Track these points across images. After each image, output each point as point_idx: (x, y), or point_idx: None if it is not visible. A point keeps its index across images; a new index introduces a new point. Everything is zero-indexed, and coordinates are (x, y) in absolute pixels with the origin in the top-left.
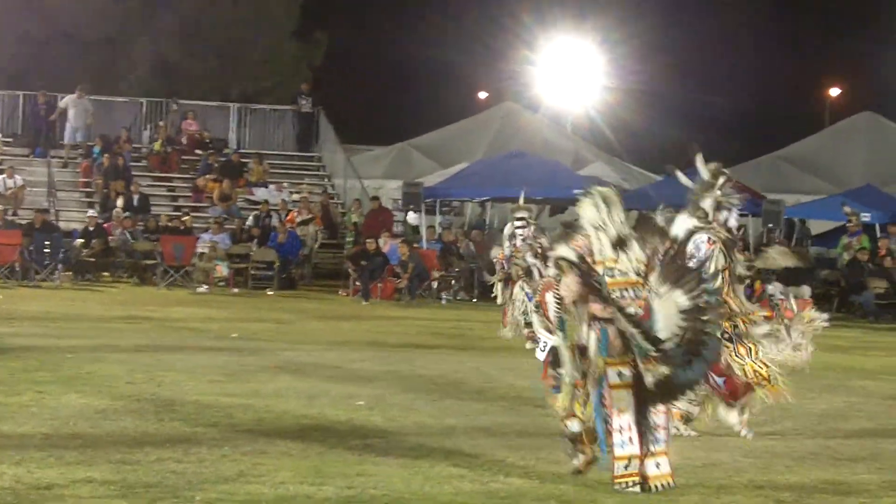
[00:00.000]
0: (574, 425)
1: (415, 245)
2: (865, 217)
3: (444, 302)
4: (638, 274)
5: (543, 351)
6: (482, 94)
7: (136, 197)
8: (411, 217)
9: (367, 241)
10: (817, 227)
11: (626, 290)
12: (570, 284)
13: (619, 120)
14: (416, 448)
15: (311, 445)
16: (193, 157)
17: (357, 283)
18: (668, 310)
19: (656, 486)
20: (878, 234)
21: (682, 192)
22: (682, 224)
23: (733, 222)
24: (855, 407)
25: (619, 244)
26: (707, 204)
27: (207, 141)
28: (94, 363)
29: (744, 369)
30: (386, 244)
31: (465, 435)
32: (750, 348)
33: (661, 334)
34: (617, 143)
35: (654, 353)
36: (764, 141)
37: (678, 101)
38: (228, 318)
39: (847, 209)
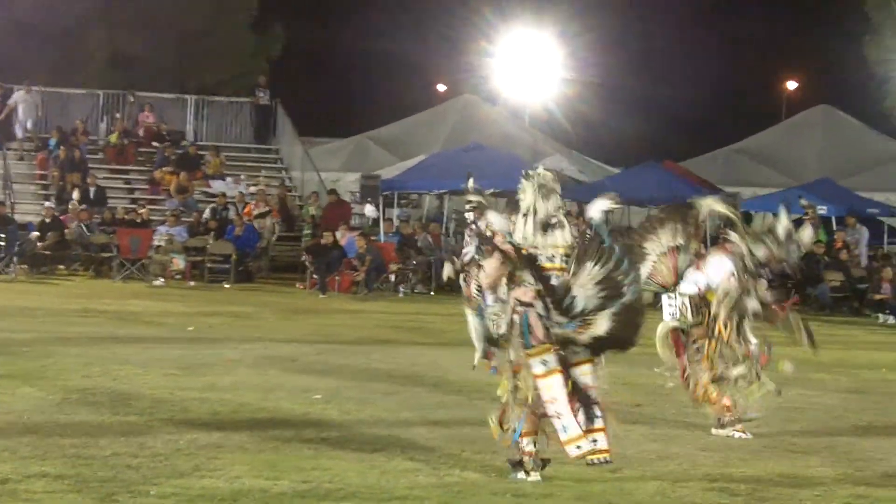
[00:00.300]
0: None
1: (372, 238)
2: (822, 210)
3: (401, 295)
4: (562, 259)
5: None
6: (440, 87)
7: (92, 189)
8: (369, 210)
9: (325, 233)
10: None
11: (550, 274)
12: (490, 268)
13: (578, 113)
14: (372, 441)
15: (266, 439)
16: (150, 149)
17: (314, 276)
18: (584, 286)
19: (593, 461)
20: (834, 227)
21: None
22: (597, 206)
23: None
24: (811, 400)
25: (546, 228)
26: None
27: (164, 133)
28: (50, 357)
29: (697, 383)
30: (343, 237)
31: (422, 428)
32: (713, 368)
33: (578, 307)
34: (575, 135)
35: (573, 327)
36: (720, 134)
37: (636, 95)
38: (185, 311)
39: (803, 202)
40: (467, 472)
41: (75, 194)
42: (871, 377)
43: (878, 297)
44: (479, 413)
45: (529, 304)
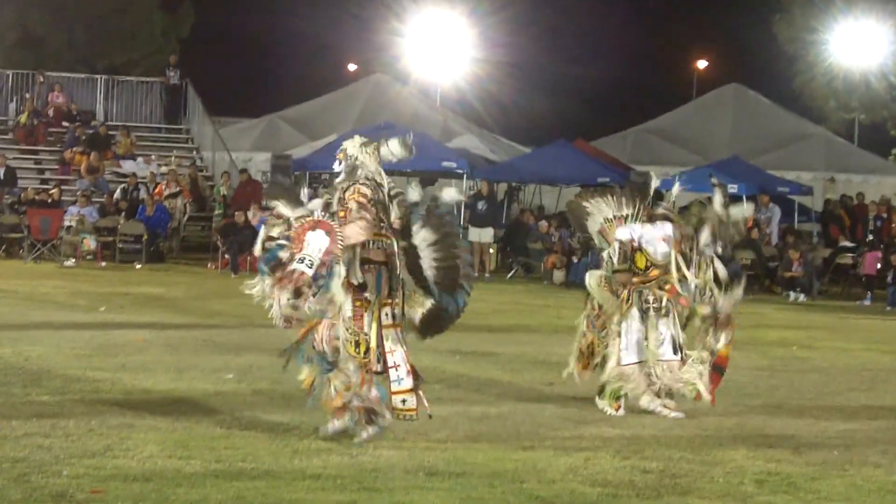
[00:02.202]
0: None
1: None
2: (732, 188)
3: None
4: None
5: None
6: (351, 66)
7: (2, 170)
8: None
9: (236, 213)
10: (684, 198)
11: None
12: (358, 229)
13: (488, 92)
14: (284, 421)
15: (178, 419)
16: (60, 129)
17: (226, 256)
18: (423, 249)
19: (403, 416)
20: (745, 206)
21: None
22: (449, 195)
23: None
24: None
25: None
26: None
27: (74, 113)
28: None
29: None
30: (255, 217)
31: None
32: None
33: (426, 272)
34: (486, 115)
35: (418, 289)
36: (631, 113)
37: (547, 74)
38: (96, 291)
39: (714, 181)
40: (380, 450)
41: None
42: (781, 355)
43: (788, 274)
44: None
45: (383, 263)
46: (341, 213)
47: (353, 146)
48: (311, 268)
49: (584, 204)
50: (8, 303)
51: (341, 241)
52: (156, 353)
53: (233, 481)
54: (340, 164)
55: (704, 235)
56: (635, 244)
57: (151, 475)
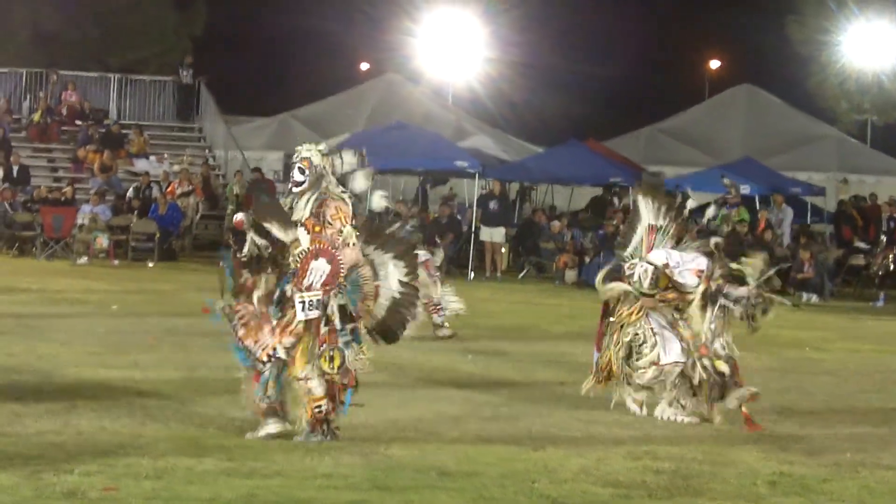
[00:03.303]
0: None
1: None
2: (744, 189)
3: None
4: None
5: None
6: (363, 66)
7: (15, 168)
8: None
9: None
10: (696, 199)
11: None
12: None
13: (500, 91)
14: (296, 420)
15: (190, 417)
16: (73, 127)
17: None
18: (388, 275)
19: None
20: (757, 207)
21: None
22: (376, 202)
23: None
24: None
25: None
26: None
27: (87, 112)
28: None
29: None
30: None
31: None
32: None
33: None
34: (498, 114)
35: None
36: (644, 113)
37: (559, 73)
38: (108, 289)
39: (726, 181)
40: (392, 450)
41: None
42: (793, 356)
43: (800, 276)
44: (403, 391)
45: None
46: (317, 228)
47: (317, 156)
48: (316, 308)
49: (639, 198)
50: (21, 301)
51: (342, 267)
52: (167, 352)
53: (245, 480)
54: (304, 172)
55: (740, 292)
56: (668, 271)
57: (163, 473)
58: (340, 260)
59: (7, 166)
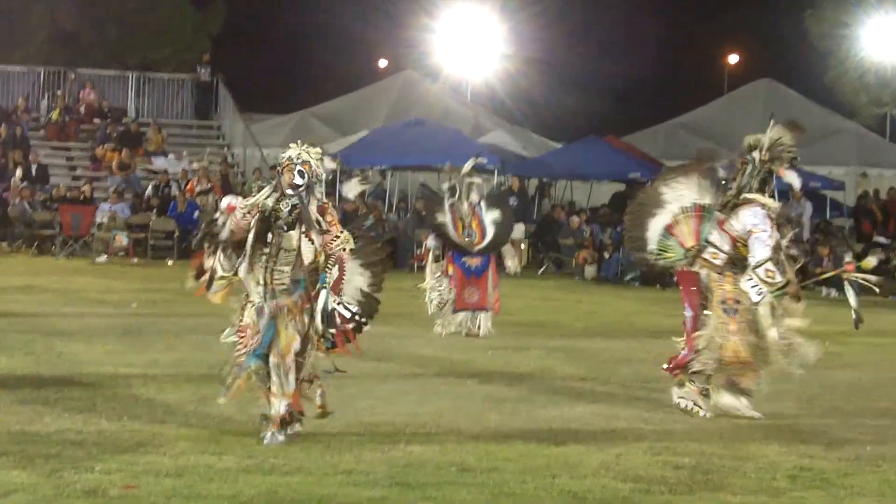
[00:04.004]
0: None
1: None
2: None
3: None
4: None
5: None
6: (382, 62)
7: (34, 167)
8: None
9: None
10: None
11: None
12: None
13: (519, 88)
14: (316, 416)
15: (210, 415)
16: (91, 126)
17: None
18: (350, 280)
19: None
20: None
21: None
22: (351, 189)
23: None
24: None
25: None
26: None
27: (105, 110)
28: None
29: (725, 346)
30: None
31: (366, 403)
32: (742, 326)
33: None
34: (516, 111)
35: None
36: (663, 108)
37: (577, 69)
38: (128, 288)
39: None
40: (412, 446)
41: (17, 172)
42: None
43: (819, 271)
44: (424, 387)
45: None
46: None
47: (315, 160)
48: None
49: (662, 189)
50: (40, 299)
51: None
52: (187, 350)
53: (265, 477)
54: (304, 176)
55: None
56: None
57: (184, 471)
58: (345, 270)
59: (26, 165)
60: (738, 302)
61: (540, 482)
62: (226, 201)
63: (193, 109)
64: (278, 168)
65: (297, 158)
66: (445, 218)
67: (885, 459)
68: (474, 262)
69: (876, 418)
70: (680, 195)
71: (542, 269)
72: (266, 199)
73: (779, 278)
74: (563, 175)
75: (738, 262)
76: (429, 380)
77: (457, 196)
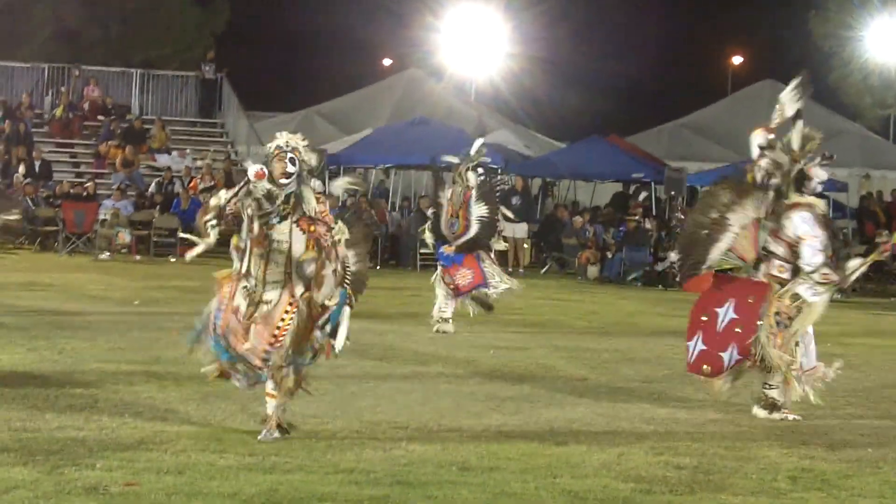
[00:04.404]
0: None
1: None
2: None
3: None
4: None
5: None
6: (386, 61)
7: (37, 163)
8: (315, 184)
9: None
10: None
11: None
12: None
13: (523, 87)
14: (318, 415)
15: (212, 413)
16: (95, 123)
17: None
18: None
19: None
20: None
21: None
22: (338, 187)
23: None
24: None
25: None
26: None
27: (109, 107)
28: None
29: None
30: None
31: (367, 402)
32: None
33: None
34: (520, 110)
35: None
36: (666, 109)
37: (581, 69)
38: (130, 284)
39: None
40: (413, 445)
41: (21, 168)
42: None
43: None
44: (425, 386)
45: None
46: (312, 228)
47: (304, 149)
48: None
49: (728, 217)
50: (43, 296)
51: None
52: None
53: (266, 475)
54: (295, 163)
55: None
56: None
57: (185, 468)
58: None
59: (29, 161)
60: (790, 319)
61: (541, 482)
62: (255, 168)
63: (197, 107)
64: (268, 158)
65: (287, 146)
66: (443, 200)
67: (885, 461)
68: (451, 250)
69: (877, 419)
70: (743, 216)
71: (544, 269)
72: (247, 194)
73: (834, 278)
74: (566, 175)
75: (798, 269)
76: (430, 379)
77: (455, 182)
